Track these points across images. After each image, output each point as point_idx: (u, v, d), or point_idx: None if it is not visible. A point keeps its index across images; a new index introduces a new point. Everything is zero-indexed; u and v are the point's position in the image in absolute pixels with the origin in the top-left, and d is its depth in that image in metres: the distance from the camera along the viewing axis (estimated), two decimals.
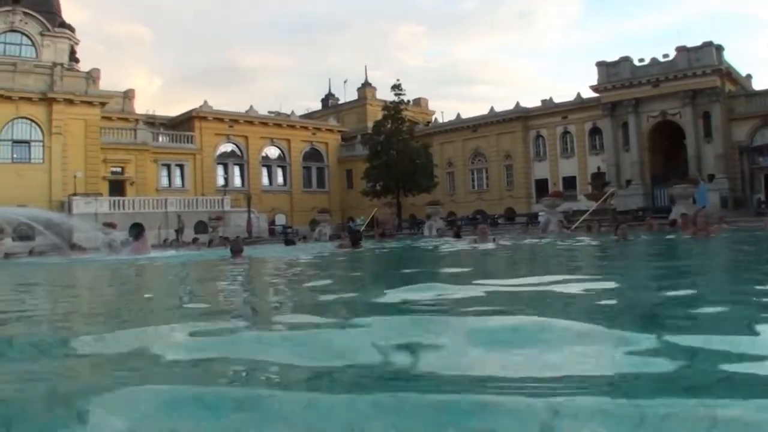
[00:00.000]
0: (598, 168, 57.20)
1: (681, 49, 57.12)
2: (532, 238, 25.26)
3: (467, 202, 72.50)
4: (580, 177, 65.11)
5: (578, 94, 67.35)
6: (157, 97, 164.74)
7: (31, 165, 54.27)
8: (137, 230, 24.79)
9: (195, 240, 34.38)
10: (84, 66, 59.89)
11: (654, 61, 59.09)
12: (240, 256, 16.95)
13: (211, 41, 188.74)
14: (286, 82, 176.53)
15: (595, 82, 62.56)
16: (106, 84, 64.04)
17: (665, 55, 58.50)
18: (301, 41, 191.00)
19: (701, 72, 55.68)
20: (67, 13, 62.42)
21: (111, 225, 35.30)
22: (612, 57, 62.37)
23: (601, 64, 62.00)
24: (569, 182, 65.58)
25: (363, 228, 48.06)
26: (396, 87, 65.79)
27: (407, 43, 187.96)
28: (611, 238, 20.26)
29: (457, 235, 32.57)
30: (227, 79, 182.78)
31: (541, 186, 67.69)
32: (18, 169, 53.06)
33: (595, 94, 63.12)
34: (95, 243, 27.96)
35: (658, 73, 58.07)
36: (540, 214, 49.86)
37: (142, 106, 74.75)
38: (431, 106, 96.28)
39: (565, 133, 68.45)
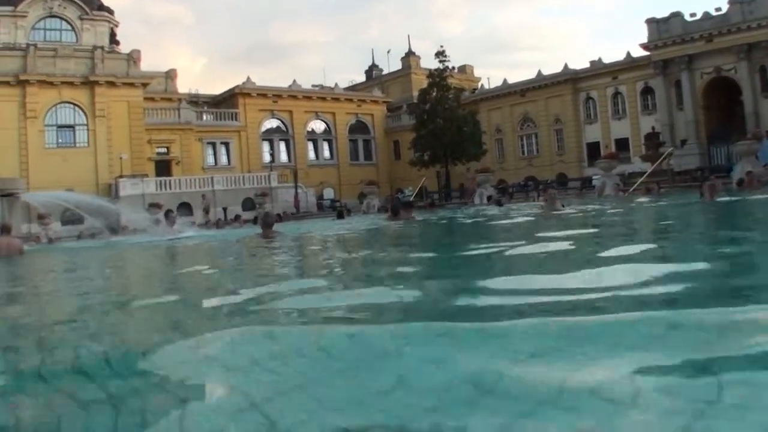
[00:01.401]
0: (653, 128, 55.65)
1: (734, 2, 54.83)
2: (597, 204, 23.16)
3: (517, 169, 71.14)
4: (633, 138, 63.58)
5: (628, 53, 65.45)
6: (201, 77, 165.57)
7: (76, 149, 54.31)
8: (165, 210, 23.97)
9: (237, 217, 33.67)
10: (126, 49, 59.62)
11: (706, 15, 56.84)
12: (271, 232, 15.73)
13: (252, 19, 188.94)
14: (329, 56, 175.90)
15: (645, 40, 60.54)
16: (150, 66, 64.15)
17: (717, 9, 56.24)
18: (341, 14, 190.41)
19: (756, 25, 53.40)
20: None
21: (157, 206, 34.76)
22: (662, 13, 60.29)
23: (650, 21, 59.86)
24: (622, 144, 63.81)
25: (411, 198, 47.11)
26: (440, 54, 64.58)
27: (448, 11, 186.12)
28: (685, 199, 18.69)
29: (498, 203, 31.56)
30: (270, 56, 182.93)
31: (593, 149, 66.10)
32: (64, 154, 53.22)
33: (646, 53, 61.11)
34: (138, 224, 27.34)
35: (710, 27, 55.87)
36: (594, 177, 48.54)
37: (185, 86, 74.26)
38: (476, 73, 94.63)
39: (616, 93, 66.65)
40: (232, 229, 26.50)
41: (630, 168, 48.73)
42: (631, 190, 32.79)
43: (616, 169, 41.16)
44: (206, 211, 26.78)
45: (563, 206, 18.71)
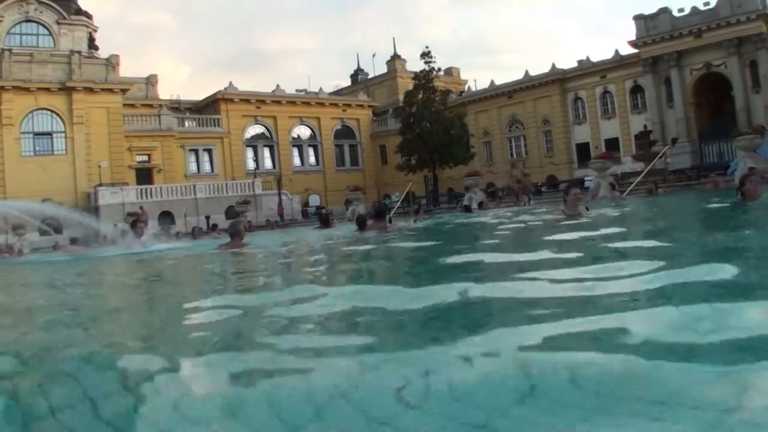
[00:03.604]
0: (645, 126, 54.70)
1: None
2: (611, 207, 20.28)
3: (506, 172, 69.91)
4: (623, 138, 63.10)
5: (616, 52, 64.69)
6: (185, 84, 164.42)
7: (54, 157, 53.08)
8: (132, 220, 22.77)
9: (214, 227, 32.28)
10: (107, 55, 58.31)
11: (694, 10, 56.13)
12: (238, 243, 14.38)
13: (236, 27, 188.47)
14: (314, 63, 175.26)
15: (633, 38, 59.72)
16: (133, 75, 62.97)
17: (706, 3, 55.60)
18: (326, 21, 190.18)
19: (745, 18, 52.71)
20: (89, 3, 61.03)
21: (135, 214, 33.41)
22: (650, 9, 59.48)
23: (638, 18, 59.09)
24: (612, 144, 62.94)
25: (398, 204, 45.89)
26: (425, 54, 63.42)
27: (433, 16, 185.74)
28: (721, 199, 16.46)
29: (467, 209, 30.38)
30: (254, 63, 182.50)
31: (583, 150, 65.42)
32: (41, 162, 52.08)
33: (635, 51, 60.43)
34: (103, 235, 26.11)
35: (699, 22, 55.17)
36: (587, 178, 47.50)
37: (167, 93, 72.97)
38: (463, 76, 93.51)
39: (605, 93, 65.91)
40: (211, 239, 25.24)
41: (621, 168, 47.70)
42: (628, 191, 31.58)
43: (609, 170, 40.00)
44: (144, 222, 24.93)
45: (587, 209, 14.67)
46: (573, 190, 14.31)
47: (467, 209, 30.71)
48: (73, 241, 23.58)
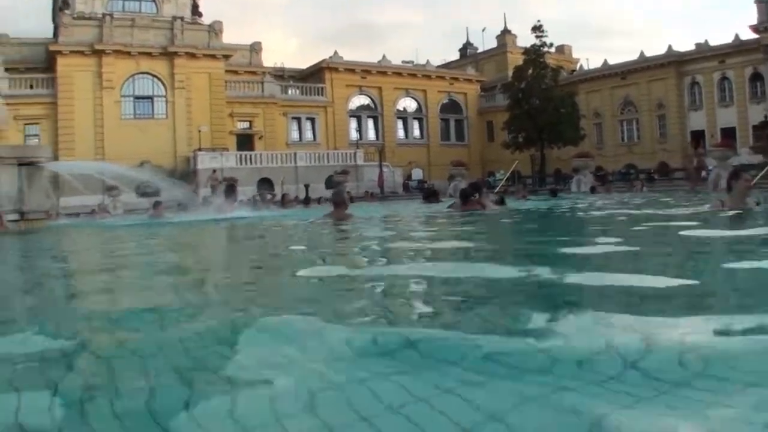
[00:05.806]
0: (766, 116, 51.29)
1: None
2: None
3: (616, 156, 67.22)
4: (740, 128, 59.39)
5: (736, 36, 60.86)
6: (292, 56, 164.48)
7: (154, 120, 53.59)
8: (228, 184, 21.92)
9: (308, 200, 31.16)
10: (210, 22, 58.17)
11: None
12: (341, 213, 12.86)
13: (344, 0, 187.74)
14: (420, 39, 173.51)
15: (754, 21, 56.06)
16: (237, 42, 62.78)
17: None
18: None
19: None
20: None
21: (231, 179, 32.82)
22: None
23: (760, 1, 55.32)
24: (728, 134, 59.04)
25: (503, 182, 44.17)
26: (537, 29, 60.93)
27: None
28: None
29: (554, 193, 29.13)
30: (361, 36, 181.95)
31: (698, 138, 61.79)
32: (141, 126, 52.58)
33: (755, 35, 56.68)
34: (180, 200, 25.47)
35: None
36: (708, 168, 44.92)
37: (272, 62, 72.11)
38: (574, 55, 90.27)
39: (723, 79, 62.17)
40: (301, 209, 24.12)
41: (738, 160, 44.80)
42: (752, 183, 29.12)
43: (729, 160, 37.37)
44: (213, 188, 24.23)
45: (758, 203, 10.73)
46: (744, 176, 10.86)
47: (553, 193, 29.22)
48: (156, 204, 22.79)
